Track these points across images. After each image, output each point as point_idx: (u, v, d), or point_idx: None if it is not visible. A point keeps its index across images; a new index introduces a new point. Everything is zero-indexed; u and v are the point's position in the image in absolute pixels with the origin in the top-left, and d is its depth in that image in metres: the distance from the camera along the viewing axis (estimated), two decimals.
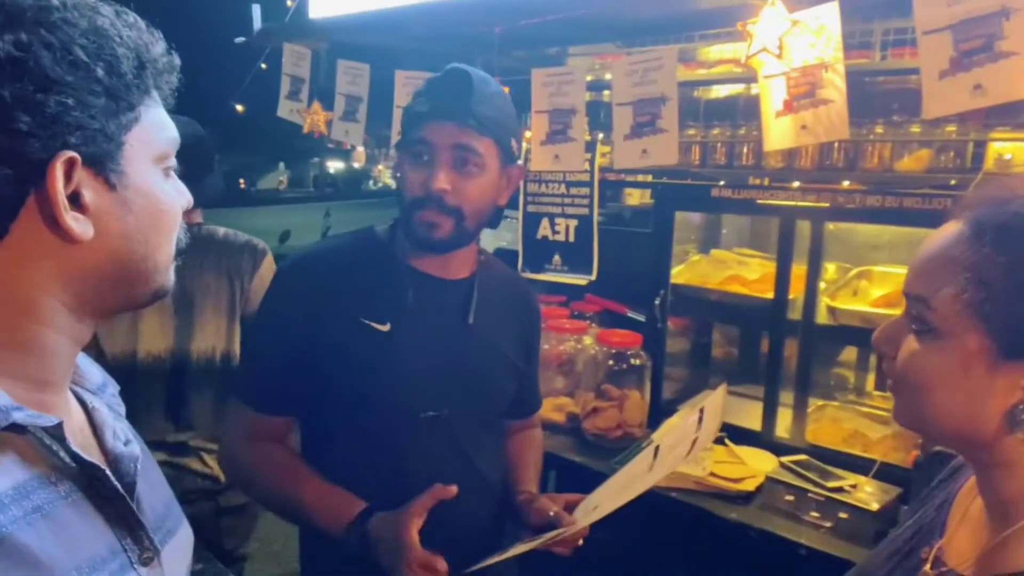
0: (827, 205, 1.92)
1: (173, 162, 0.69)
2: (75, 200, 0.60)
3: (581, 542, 1.25)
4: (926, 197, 1.77)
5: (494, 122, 1.20)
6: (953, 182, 1.81)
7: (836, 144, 2.06)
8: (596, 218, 2.55)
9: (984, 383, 0.69)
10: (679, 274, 2.33)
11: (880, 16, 2.01)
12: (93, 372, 0.75)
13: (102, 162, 0.61)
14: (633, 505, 1.28)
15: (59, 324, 0.63)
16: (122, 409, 0.77)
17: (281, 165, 36.78)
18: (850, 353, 2.53)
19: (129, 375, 1.86)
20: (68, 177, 0.59)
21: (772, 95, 1.47)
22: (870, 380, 2.46)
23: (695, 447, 1.19)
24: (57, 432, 0.60)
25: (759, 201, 2.03)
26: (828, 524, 1.66)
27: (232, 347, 2.00)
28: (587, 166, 2.31)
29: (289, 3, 2.52)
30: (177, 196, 0.69)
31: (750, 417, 2.13)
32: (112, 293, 0.66)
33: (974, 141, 1.86)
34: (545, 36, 2.32)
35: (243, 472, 1.33)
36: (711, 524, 1.73)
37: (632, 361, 2.13)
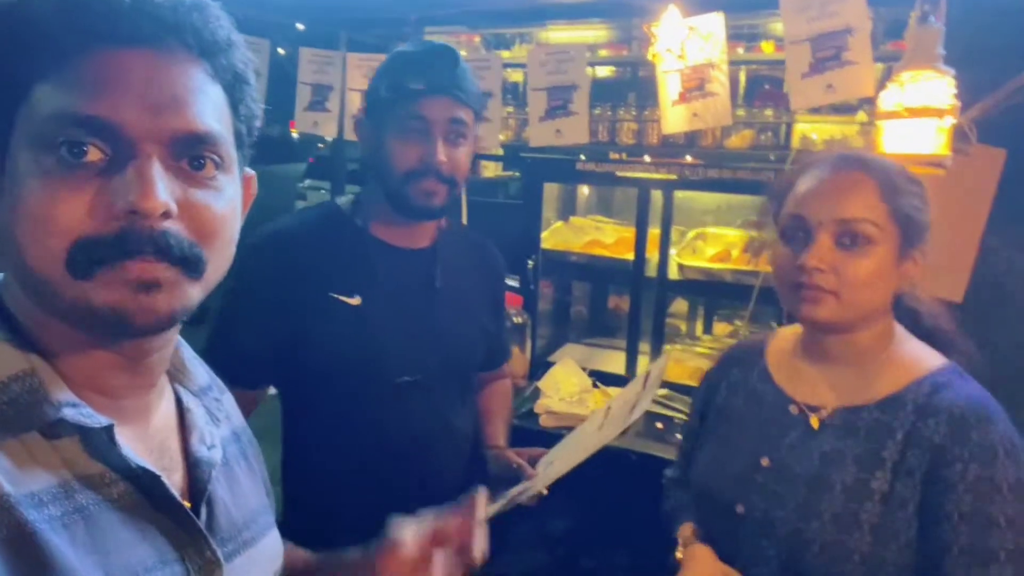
0: (675, 177, 2.25)
1: None
2: None
3: (545, 492, 1.38)
4: (754, 169, 2.14)
5: (474, 95, 1.30)
6: (772, 157, 2.21)
7: None
8: (464, 190, 2.72)
9: (895, 273, 0.99)
10: (546, 239, 2.57)
11: None
12: (200, 373, 0.74)
13: None
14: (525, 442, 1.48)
15: None
16: (222, 413, 0.75)
17: None
18: (680, 305, 2.95)
19: None
20: None
21: (668, 87, 1.73)
22: (698, 326, 2.92)
23: (636, 407, 1.37)
24: (108, 434, 0.58)
25: (619, 173, 2.32)
26: None
27: None
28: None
29: None
30: None
31: (614, 363, 2.45)
32: None
33: (786, 123, 2.28)
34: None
35: None
36: (598, 453, 2.00)
37: (515, 320, 2.35)
